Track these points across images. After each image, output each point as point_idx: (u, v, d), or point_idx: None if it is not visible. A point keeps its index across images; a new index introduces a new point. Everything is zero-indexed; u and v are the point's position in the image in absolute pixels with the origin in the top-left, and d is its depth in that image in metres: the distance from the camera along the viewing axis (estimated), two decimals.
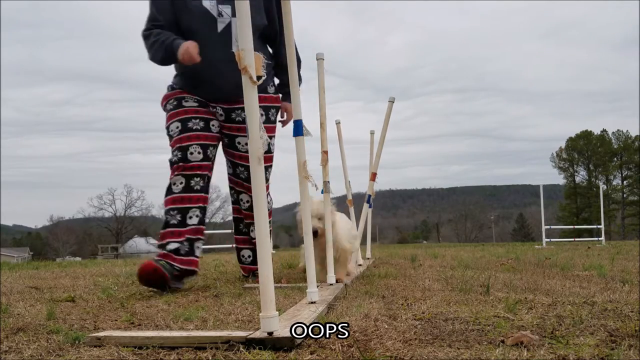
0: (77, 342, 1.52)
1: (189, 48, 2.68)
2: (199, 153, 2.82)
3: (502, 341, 1.42)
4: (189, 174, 2.79)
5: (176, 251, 2.71)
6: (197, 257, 2.82)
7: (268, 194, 3.25)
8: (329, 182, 2.68)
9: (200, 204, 2.83)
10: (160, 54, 2.79)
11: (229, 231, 13.82)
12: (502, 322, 1.69)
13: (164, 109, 2.98)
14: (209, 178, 2.95)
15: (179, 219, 2.76)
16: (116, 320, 1.93)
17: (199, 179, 2.82)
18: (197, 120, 2.87)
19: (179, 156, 2.79)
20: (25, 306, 2.26)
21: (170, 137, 2.87)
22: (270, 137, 3.10)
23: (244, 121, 2.91)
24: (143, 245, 48.26)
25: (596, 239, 14.62)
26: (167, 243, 2.73)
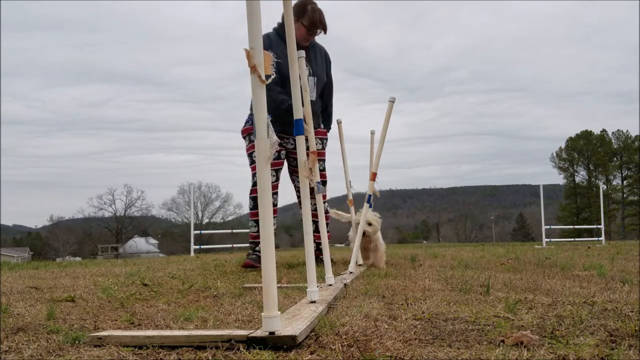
0: (77, 342, 1.52)
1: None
2: (273, 176, 3.90)
3: (502, 341, 1.42)
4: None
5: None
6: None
7: (325, 202, 4.09)
8: (319, 183, 2.71)
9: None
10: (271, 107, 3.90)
11: (229, 231, 13.90)
12: (502, 322, 1.69)
13: (249, 139, 4.01)
14: (277, 193, 4.27)
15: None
16: (116, 320, 1.93)
17: (275, 195, 4.07)
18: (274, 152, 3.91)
19: None
20: (25, 306, 2.26)
21: (254, 161, 3.83)
22: (321, 161, 4.19)
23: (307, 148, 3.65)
24: (143, 245, 48.30)
25: (596, 239, 14.63)
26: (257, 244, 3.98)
